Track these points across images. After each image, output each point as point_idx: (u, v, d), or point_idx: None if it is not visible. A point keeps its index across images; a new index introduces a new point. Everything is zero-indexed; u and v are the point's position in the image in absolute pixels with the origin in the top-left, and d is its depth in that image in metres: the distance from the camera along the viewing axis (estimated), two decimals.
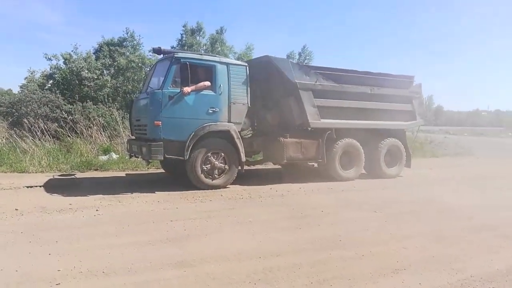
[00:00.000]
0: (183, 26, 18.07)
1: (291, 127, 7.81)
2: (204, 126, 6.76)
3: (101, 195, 6.12)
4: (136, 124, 7.42)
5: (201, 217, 5.01)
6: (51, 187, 6.86)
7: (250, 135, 8.51)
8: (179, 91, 6.56)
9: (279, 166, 9.36)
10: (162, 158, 6.51)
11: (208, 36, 17.74)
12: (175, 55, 6.71)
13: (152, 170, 9.06)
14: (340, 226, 4.74)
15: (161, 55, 7.35)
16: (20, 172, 8.11)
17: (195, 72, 6.70)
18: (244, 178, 7.24)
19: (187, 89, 6.62)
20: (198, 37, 17.70)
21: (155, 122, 6.52)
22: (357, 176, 8.13)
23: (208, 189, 6.72)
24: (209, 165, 6.83)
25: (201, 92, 6.78)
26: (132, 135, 8.11)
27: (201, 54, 7.15)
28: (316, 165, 8.08)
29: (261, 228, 4.58)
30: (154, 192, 6.46)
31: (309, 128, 7.81)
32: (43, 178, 7.55)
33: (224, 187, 6.87)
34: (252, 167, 8.53)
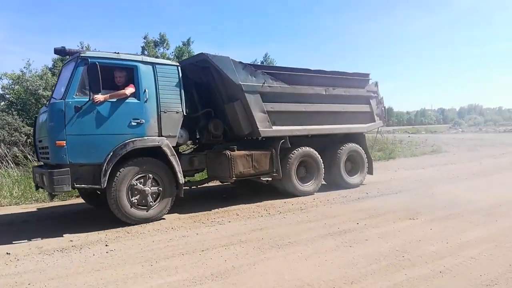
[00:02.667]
0: (144, 38, 17.02)
1: (239, 138, 7.56)
2: (126, 143, 5.69)
3: (99, 227, 5.88)
4: (39, 146, 6.27)
5: (233, 243, 4.94)
6: (37, 221, 6.76)
7: (191, 150, 8.19)
8: (88, 99, 5.49)
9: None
10: (70, 189, 5.55)
11: (174, 48, 16.96)
12: (81, 55, 5.64)
13: None
14: (389, 239, 4.91)
15: (67, 57, 6.34)
16: None
17: (111, 76, 5.88)
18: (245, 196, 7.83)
19: (99, 97, 5.54)
20: (162, 49, 16.88)
21: (57, 142, 5.33)
22: (317, 189, 7.96)
23: (142, 223, 5.92)
24: (138, 192, 5.87)
25: (120, 101, 5.74)
26: (39, 161, 6.98)
27: (117, 53, 5.93)
28: (268, 180, 7.50)
29: (308, 250, 4.59)
30: (160, 219, 6.28)
31: (260, 138, 7.48)
32: (22, 211, 6.54)
33: (159, 218, 6.11)
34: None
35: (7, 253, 4.67)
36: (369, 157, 8.98)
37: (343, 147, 8.38)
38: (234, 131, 7.32)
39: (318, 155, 7.90)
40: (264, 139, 7.51)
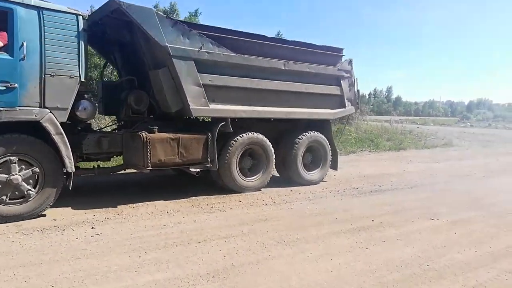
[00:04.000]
0: (155, 7, 16.55)
1: (171, 116, 6.11)
2: None
3: (87, 205, 5.32)
4: None
5: (234, 235, 4.39)
6: None
7: (109, 130, 6.78)
8: None
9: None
10: None
11: (182, 18, 16.42)
12: None
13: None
14: (410, 242, 4.33)
15: None
16: None
17: None
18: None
19: None
20: None
21: None
22: (264, 185, 6.59)
23: (11, 222, 4.52)
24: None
25: None
26: None
27: None
28: (199, 172, 5.82)
29: (319, 249, 4.03)
30: (156, 200, 5.71)
31: (192, 118, 6.10)
32: None
33: (36, 215, 4.71)
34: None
35: None
36: (334, 149, 7.65)
37: (303, 136, 6.98)
38: (160, 107, 5.95)
39: (269, 144, 6.52)
40: (197, 119, 6.37)
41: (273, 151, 6.60)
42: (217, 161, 5.86)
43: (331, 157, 7.48)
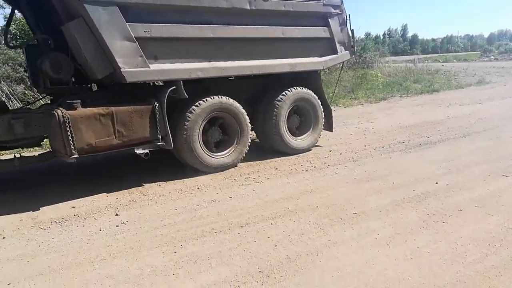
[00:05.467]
0: None
1: (102, 85, 4.97)
2: None
3: (108, 187, 4.68)
4: None
5: (280, 214, 3.72)
6: (34, 177, 5.37)
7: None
8: None
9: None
10: None
11: None
12: None
13: None
14: (492, 209, 3.60)
15: None
16: None
17: None
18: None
19: None
20: None
21: None
22: (239, 159, 5.28)
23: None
24: None
25: None
26: None
27: None
28: (148, 153, 4.51)
29: (386, 228, 3.32)
30: (183, 175, 4.98)
31: (127, 83, 4.34)
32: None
33: None
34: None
35: None
36: (326, 106, 6.20)
37: (285, 95, 5.58)
38: (84, 72, 4.51)
39: (241, 109, 5.18)
40: (136, 85, 4.62)
41: (247, 119, 5.25)
42: (170, 137, 4.60)
43: (323, 116, 6.11)
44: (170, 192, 4.38)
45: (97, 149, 4.17)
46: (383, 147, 5.94)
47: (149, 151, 4.52)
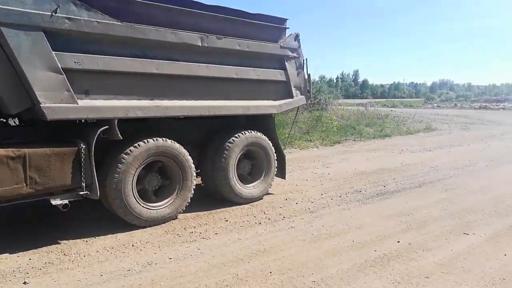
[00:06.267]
0: None
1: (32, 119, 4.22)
2: None
3: (25, 242, 3.95)
4: None
5: (225, 284, 2.81)
6: None
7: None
8: None
9: None
10: None
11: None
12: None
13: None
14: (459, 276, 3.28)
15: None
16: None
17: None
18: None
19: None
20: None
21: None
22: (180, 211, 4.62)
23: None
24: None
25: None
26: None
27: None
28: (68, 203, 3.78)
29: None
30: (118, 228, 4.29)
31: (47, 120, 3.64)
32: None
33: None
34: None
35: None
36: (279, 151, 5.78)
37: (237, 137, 5.14)
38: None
39: (183, 150, 4.56)
40: (59, 124, 3.90)
41: (190, 160, 4.65)
42: (97, 185, 3.86)
43: (275, 163, 5.66)
44: (97, 251, 3.67)
45: (3, 199, 3.41)
46: (340, 196, 5.64)
47: (70, 201, 3.77)
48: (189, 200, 4.69)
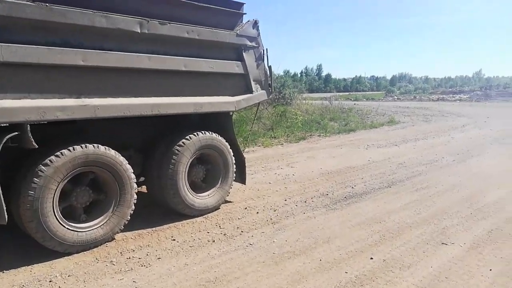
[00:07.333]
0: None
1: None
2: None
3: None
4: None
5: None
6: None
7: None
8: None
9: None
10: None
11: None
12: None
13: None
14: None
15: None
16: None
17: None
18: None
19: None
20: None
21: None
22: (116, 231, 3.81)
23: None
24: None
25: None
26: None
27: None
28: None
29: None
30: (37, 258, 3.46)
31: None
32: None
33: None
34: None
35: None
36: (238, 154, 5.07)
37: (188, 139, 4.39)
38: None
39: (122, 162, 3.78)
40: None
41: (129, 169, 3.83)
42: (4, 208, 3.04)
43: (233, 168, 4.96)
44: None
45: None
46: (305, 202, 5.06)
47: None
48: (129, 217, 3.89)
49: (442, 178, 6.29)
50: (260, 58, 5.12)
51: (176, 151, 4.31)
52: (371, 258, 3.37)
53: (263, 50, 5.14)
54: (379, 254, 3.46)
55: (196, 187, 4.69)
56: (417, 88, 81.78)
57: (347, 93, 62.26)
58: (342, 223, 4.29)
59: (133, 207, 3.94)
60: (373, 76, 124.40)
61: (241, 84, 4.94)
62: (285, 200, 5.17)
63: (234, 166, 4.99)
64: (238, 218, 4.46)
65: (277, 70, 33.42)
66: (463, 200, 5.07)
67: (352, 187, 5.77)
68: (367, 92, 73.24)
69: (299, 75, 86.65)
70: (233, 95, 4.82)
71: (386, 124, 15.12)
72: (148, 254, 3.53)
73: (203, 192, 4.70)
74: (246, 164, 5.26)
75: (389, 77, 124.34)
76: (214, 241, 3.81)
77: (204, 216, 4.50)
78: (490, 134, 11.67)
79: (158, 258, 3.44)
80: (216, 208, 4.74)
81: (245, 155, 5.26)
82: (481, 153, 8.54)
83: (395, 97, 53.97)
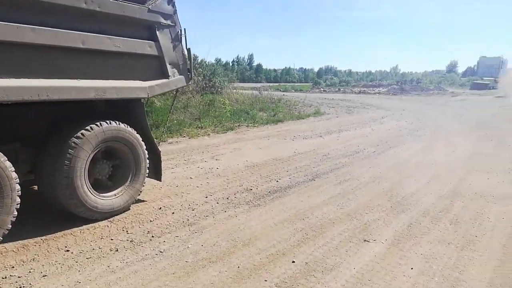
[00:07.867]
0: None
1: None
2: None
3: None
4: None
5: None
6: None
7: None
8: None
9: None
10: None
11: None
12: None
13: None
14: None
15: None
16: None
17: None
18: None
19: None
20: None
21: None
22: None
23: None
24: None
25: None
26: None
27: None
28: None
29: None
30: None
31: None
32: None
33: None
34: None
35: None
36: (153, 147, 4.51)
37: (87, 132, 3.67)
38: None
39: (5, 164, 3.09)
40: None
41: (9, 167, 3.10)
42: None
43: (146, 163, 4.33)
44: None
45: None
46: (227, 198, 4.70)
47: None
48: (9, 226, 3.15)
49: (363, 170, 6.35)
50: (177, 39, 4.57)
51: (73, 144, 3.60)
52: (293, 262, 3.12)
53: (181, 30, 4.60)
54: (301, 256, 3.22)
55: (101, 186, 4.04)
56: (341, 81, 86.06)
57: (277, 84, 63.37)
58: (265, 221, 4.01)
59: (15, 213, 3.23)
60: (301, 68, 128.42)
61: (155, 67, 4.35)
62: (206, 197, 4.76)
63: (147, 161, 4.40)
64: (150, 221, 3.94)
65: (207, 58, 32.64)
66: (383, 193, 5.10)
67: (277, 181, 5.54)
68: (296, 84, 75.22)
69: (230, 64, 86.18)
70: (145, 80, 4.21)
71: (312, 115, 15.37)
72: (32, 271, 2.88)
73: (109, 191, 4.06)
74: (162, 158, 4.75)
75: (316, 69, 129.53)
76: (117, 250, 3.27)
77: (109, 219, 3.89)
78: (406, 126, 12.39)
79: (44, 276, 2.81)
80: (125, 209, 4.13)
81: (167, 146, 4.74)
82: (398, 144, 8.92)
83: (321, 89, 56.12)
